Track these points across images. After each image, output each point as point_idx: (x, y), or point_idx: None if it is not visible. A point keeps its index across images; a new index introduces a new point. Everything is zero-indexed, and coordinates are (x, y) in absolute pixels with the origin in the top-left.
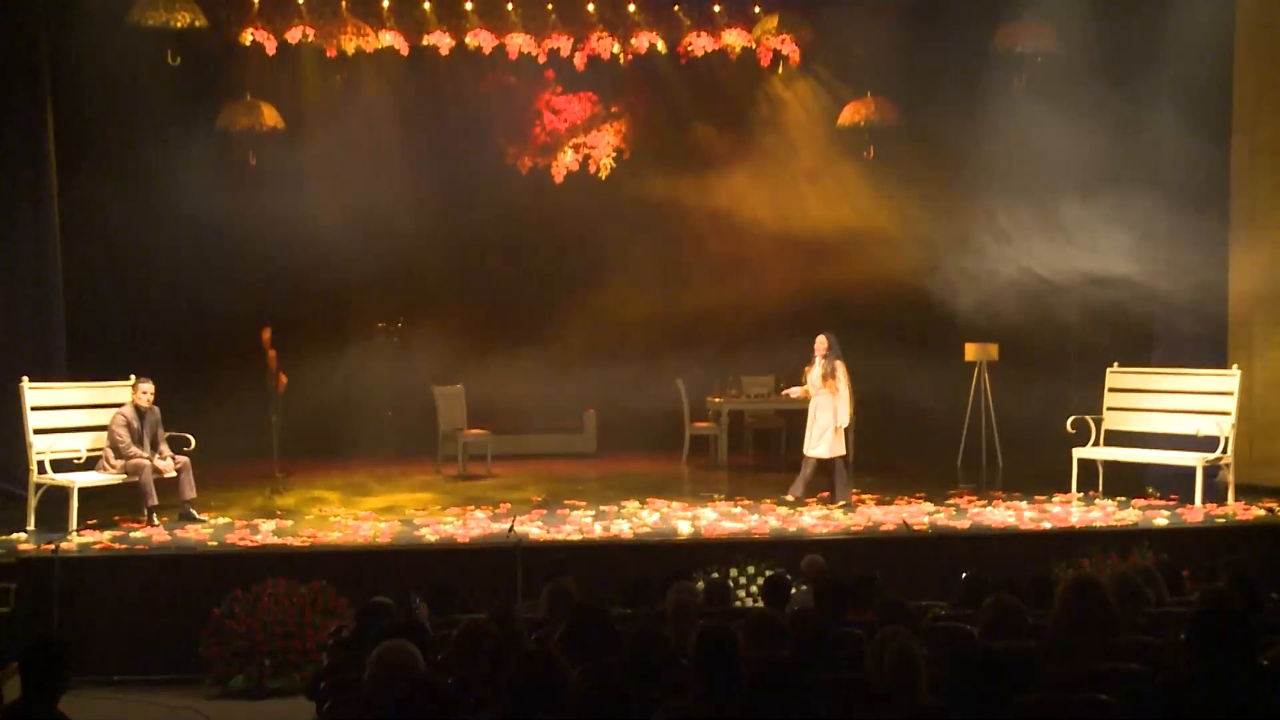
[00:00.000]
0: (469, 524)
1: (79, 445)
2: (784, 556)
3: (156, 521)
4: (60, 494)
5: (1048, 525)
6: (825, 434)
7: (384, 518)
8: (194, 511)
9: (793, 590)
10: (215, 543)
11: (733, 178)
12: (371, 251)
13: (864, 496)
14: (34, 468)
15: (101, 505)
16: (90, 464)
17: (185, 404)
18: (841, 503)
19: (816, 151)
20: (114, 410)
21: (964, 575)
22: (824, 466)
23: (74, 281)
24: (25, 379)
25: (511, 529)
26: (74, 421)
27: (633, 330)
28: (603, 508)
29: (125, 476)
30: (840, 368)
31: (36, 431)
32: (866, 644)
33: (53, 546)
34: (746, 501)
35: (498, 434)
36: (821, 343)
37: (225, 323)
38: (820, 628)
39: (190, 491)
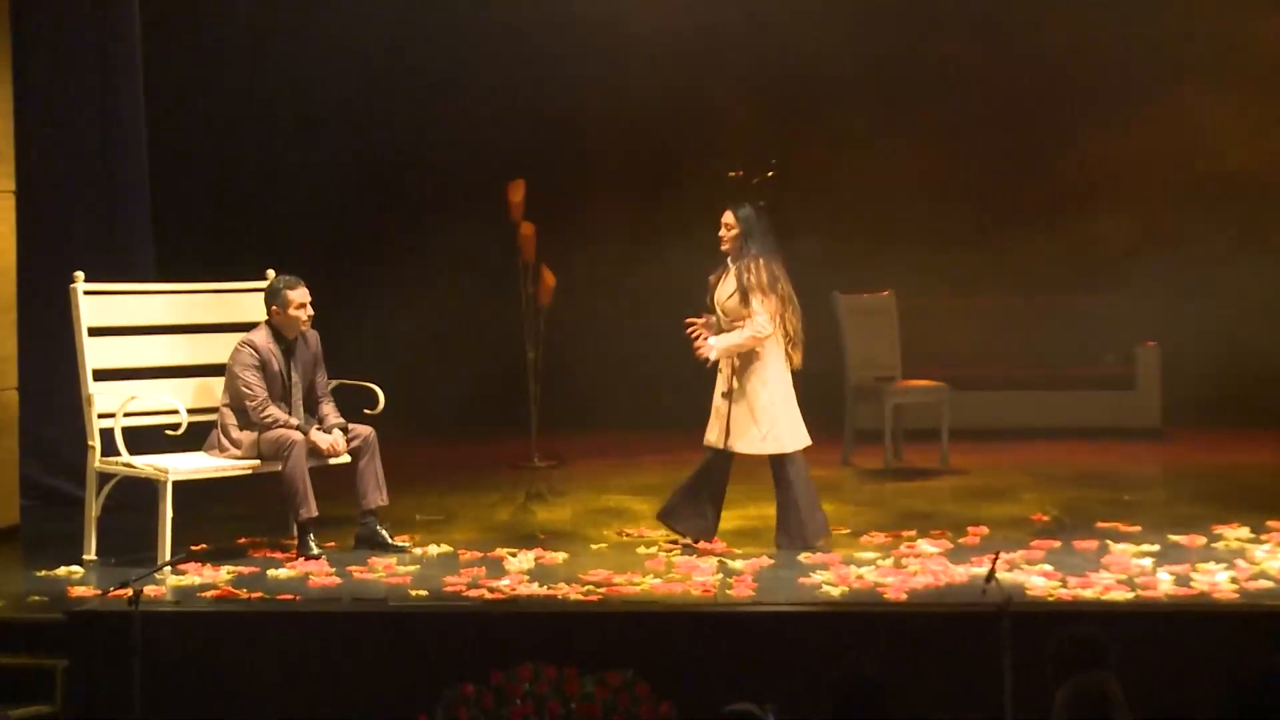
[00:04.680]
0: (907, 565)
1: (174, 401)
2: None
3: (316, 549)
4: (142, 492)
5: None
6: (767, 409)
7: (739, 549)
8: (384, 531)
9: None
10: (424, 592)
11: None
12: (709, 43)
13: None
14: (95, 442)
15: (217, 516)
16: (195, 437)
17: (359, 327)
18: (800, 545)
19: None
20: (237, 339)
21: None
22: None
23: (163, 127)
24: (79, 276)
25: (991, 577)
26: (164, 356)
27: (1230, 190)
28: (1174, 538)
29: (258, 462)
30: (771, 271)
31: (98, 376)
32: None
33: (129, 593)
34: None
35: (960, 389)
36: (728, 222)
37: (431, 173)
38: None
39: (377, 494)
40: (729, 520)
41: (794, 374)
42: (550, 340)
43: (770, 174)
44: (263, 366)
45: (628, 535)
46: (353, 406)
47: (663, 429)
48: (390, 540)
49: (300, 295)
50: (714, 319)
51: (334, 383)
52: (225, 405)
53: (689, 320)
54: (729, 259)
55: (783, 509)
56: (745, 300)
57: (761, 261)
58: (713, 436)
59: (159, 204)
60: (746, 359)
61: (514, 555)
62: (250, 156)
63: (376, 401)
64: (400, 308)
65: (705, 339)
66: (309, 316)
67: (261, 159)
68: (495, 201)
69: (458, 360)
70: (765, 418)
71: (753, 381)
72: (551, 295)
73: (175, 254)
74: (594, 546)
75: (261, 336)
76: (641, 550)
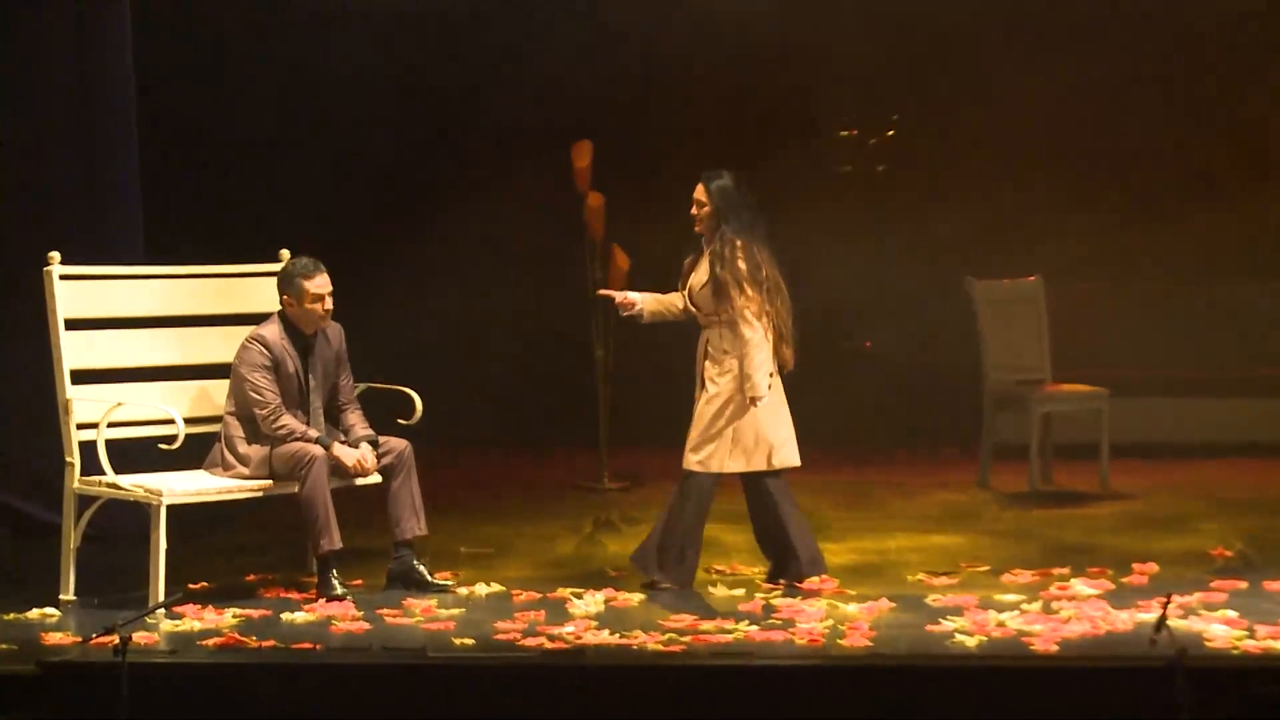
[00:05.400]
0: (1059, 610)
1: (169, 409)
2: None
3: (340, 588)
4: (131, 519)
5: None
6: (743, 419)
7: (853, 589)
8: (422, 567)
9: None
10: (470, 641)
11: None
12: None
13: None
14: (73, 458)
15: (221, 547)
16: (195, 452)
17: (387, 319)
18: (802, 577)
19: None
20: (246, 332)
21: None
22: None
23: (154, 83)
24: (55, 257)
25: (1161, 625)
26: (158, 355)
27: None
28: None
29: (271, 483)
30: (752, 257)
31: (77, 378)
32: None
33: (115, 641)
34: None
35: (1123, 395)
36: (699, 197)
37: (475, 134)
38: None
39: (414, 522)
40: (840, 554)
41: (785, 375)
42: (623, 336)
43: (890, 133)
44: (275, 367)
45: (718, 572)
46: (383, 415)
47: None
48: (429, 578)
49: (318, 284)
50: (633, 300)
51: (361, 387)
52: (230, 414)
53: (603, 292)
54: (703, 242)
55: (661, 525)
56: (720, 293)
57: (739, 244)
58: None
59: (150, 173)
60: (722, 358)
61: (579, 596)
62: (259, 118)
63: (413, 409)
64: (437, 296)
65: (627, 299)
66: (328, 310)
67: (272, 121)
68: (556, 168)
69: (508, 360)
70: (747, 429)
71: (724, 381)
72: (622, 280)
73: (169, 232)
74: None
75: (273, 331)
76: (734, 591)
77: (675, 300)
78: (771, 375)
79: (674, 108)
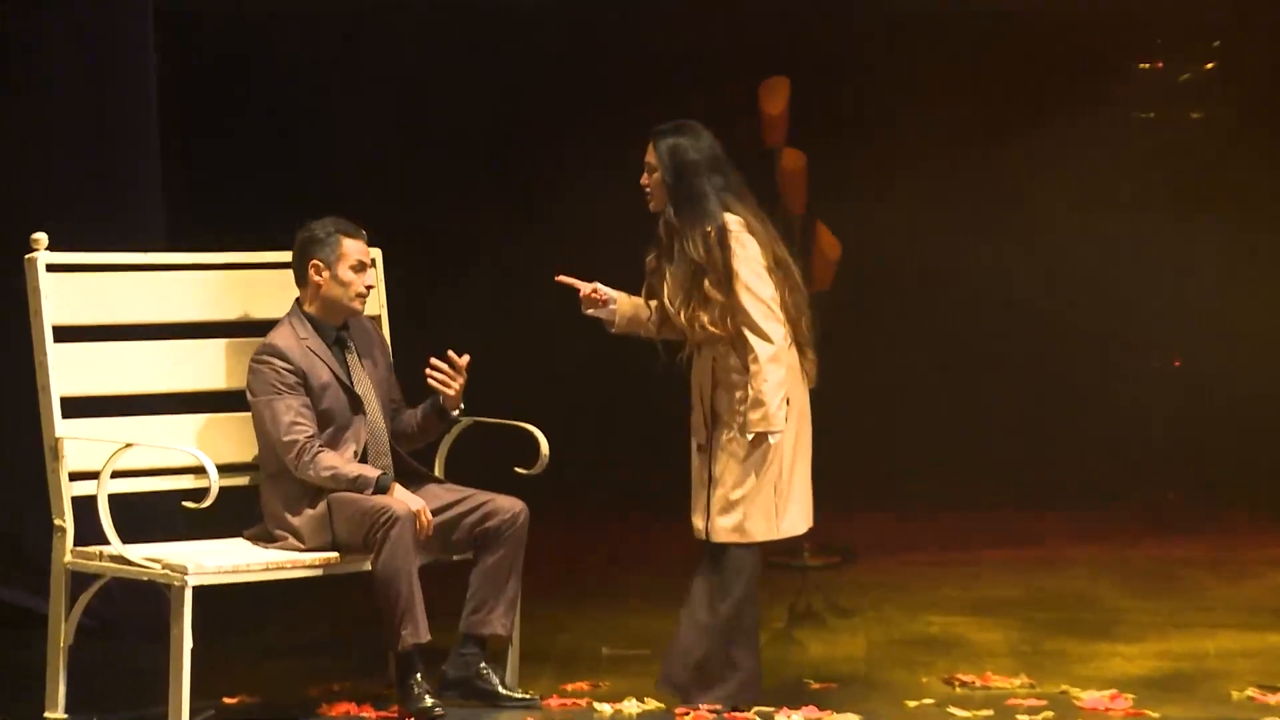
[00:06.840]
0: None
1: (198, 453)
2: None
3: (428, 698)
4: (142, 605)
5: None
6: (746, 473)
7: (1156, 709)
8: (492, 674)
9: None
10: None
11: None
12: None
13: None
14: (65, 521)
15: (266, 646)
16: (231, 513)
17: (486, 334)
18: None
19: None
20: (266, 336)
21: None
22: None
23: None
24: (40, 240)
25: None
26: (181, 376)
27: None
28: None
29: (335, 556)
30: (723, 242)
31: (70, 409)
32: None
33: None
34: None
35: None
36: (649, 162)
37: (615, 66)
38: None
39: (501, 614)
40: (1137, 660)
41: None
42: (834, 349)
43: (1210, 66)
44: (303, 382)
45: (963, 684)
46: (491, 461)
47: (1024, 501)
48: (502, 689)
49: (358, 249)
50: (606, 296)
51: (465, 421)
52: (265, 473)
53: (562, 278)
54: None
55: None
56: (708, 302)
57: (711, 231)
58: (698, 521)
59: (173, 138)
60: (729, 383)
61: (769, 717)
62: (307, 69)
63: (535, 453)
64: (553, 300)
65: (597, 291)
66: (370, 287)
67: (333, 73)
68: (737, 115)
69: (662, 389)
70: (746, 486)
71: (723, 429)
72: (832, 270)
73: (198, 210)
74: (909, 703)
75: (286, 336)
76: (984, 711)
77: (646, 308)
78: (789, 402)
79: (905, 33)
